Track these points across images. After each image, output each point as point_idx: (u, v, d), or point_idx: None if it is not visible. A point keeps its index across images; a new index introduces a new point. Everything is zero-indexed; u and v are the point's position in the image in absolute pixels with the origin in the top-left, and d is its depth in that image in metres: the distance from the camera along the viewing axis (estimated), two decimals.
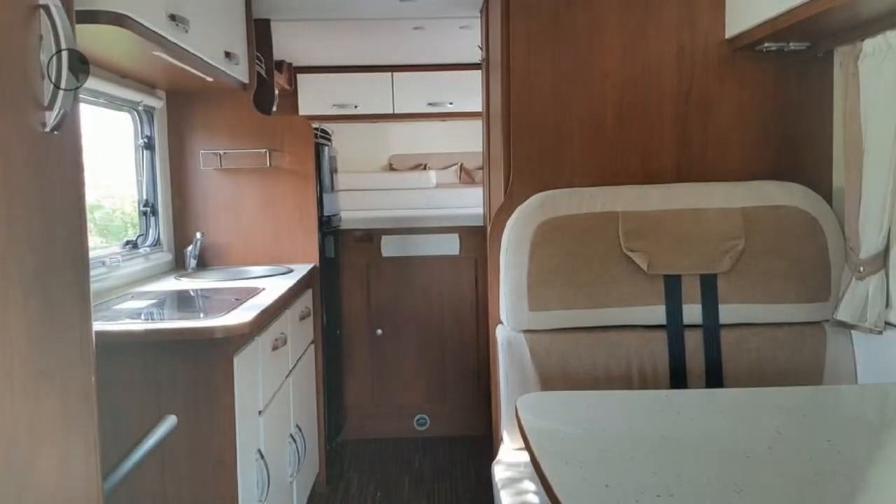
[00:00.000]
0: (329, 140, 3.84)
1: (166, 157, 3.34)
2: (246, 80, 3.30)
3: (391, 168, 5.70)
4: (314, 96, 5.06)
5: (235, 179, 3.41)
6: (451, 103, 5.02)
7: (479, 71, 3.49)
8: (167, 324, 2.33)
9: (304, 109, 5.03)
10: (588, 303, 2.37)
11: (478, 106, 3.54)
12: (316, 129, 3.53)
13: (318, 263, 3.41)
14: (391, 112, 5.10)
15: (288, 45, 4.30)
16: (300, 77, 5.02)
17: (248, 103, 3.37)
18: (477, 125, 3.63)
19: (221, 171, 3.40)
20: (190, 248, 3.28)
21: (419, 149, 5.72)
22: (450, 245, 4.08)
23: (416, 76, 5.04)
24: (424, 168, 5.58)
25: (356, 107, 5.05)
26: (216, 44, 2.84)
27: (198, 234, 3.30)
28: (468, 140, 5.03)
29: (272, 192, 3.41)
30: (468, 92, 4.46)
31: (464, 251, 4.06)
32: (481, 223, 3.77)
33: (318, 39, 4.40)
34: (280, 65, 4.52)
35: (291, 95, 5.00)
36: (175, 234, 3.38)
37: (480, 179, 4.84)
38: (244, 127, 3.38)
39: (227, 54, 2.93)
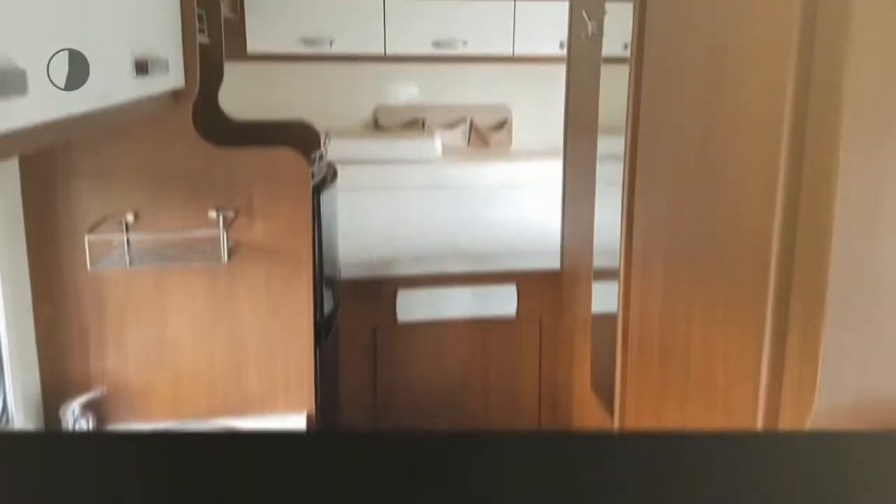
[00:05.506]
0: (327, 162, 2.22)
1: (21, 243, 1.67)
2: (181, 84, 1.63)
3: (377, 126, 4.01)
4: (270, 24, 3.32)
5: (158, 269, 1.79)
6: (464, 42, 3.36)
7: None
8: None
9: (254, 44, 3.30)
10: None
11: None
12: (312, 156, 1.91)
13: (315, 411, 1.88)
14: (382, 53, 3.41)
15: None
16: None
17: (182, 124, 1.71)
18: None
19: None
20: (73, 407, 1.69)
21: (414, 98, 4.02)
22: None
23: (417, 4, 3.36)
24: (423, 126, 3.92)
25: (332, 43, 3.35)
26: (115, 58, 1.20)
27: (95, 392, 1.71)
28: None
29: (231, 286, 1.82)
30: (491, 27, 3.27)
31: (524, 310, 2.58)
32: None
33: None
34: None
35: (238, 25, 3.23)
36: (44, 381, 1.76)
37: (495, 143, 3.74)
38: (175, 169, 1.74)
39: (140, 66, 1.27)
